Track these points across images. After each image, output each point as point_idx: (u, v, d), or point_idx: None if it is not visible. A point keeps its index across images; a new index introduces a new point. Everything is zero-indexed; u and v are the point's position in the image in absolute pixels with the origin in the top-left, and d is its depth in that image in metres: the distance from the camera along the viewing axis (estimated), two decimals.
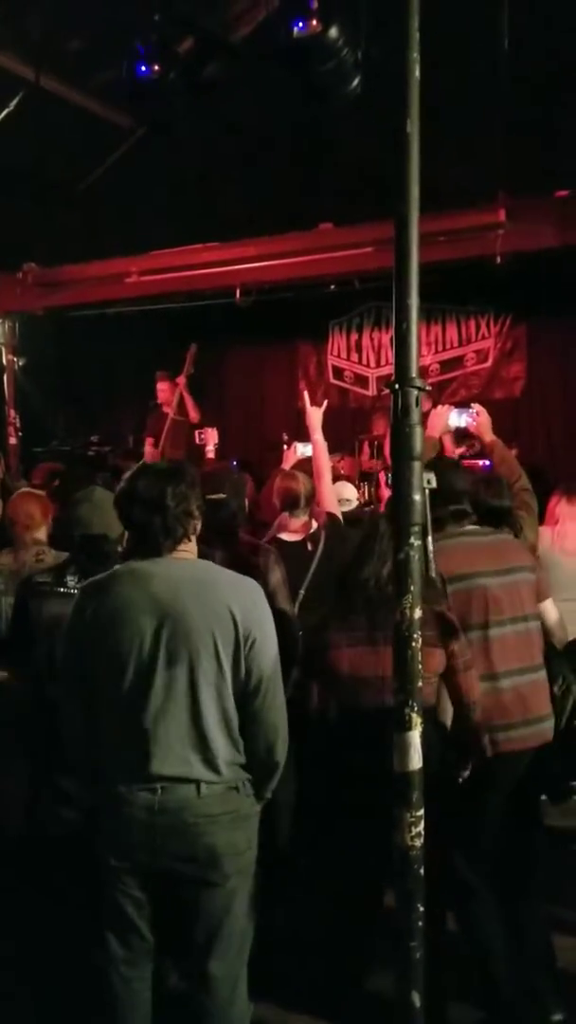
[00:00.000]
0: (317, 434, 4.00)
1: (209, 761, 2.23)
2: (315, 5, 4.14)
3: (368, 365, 8.92)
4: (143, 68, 5.27)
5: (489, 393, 8.22)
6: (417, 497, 1.94)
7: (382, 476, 6.82)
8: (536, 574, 2.97)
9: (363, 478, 7.03)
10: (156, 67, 5.28)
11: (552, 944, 2.93)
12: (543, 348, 8.20)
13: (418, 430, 1.95)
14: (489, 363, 8.39)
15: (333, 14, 4.17)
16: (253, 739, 2.29)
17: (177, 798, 2.21)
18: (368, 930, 2.74)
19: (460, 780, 2.70)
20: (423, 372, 7.39)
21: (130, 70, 5.33)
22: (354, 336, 8.97)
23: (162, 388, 7.84)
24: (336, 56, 4.20)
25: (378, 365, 8.86)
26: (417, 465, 1.95)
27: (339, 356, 9.09)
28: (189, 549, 2.34)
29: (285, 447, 7.67)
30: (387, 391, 6.71)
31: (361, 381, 8.98)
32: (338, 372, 9.11)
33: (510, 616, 2.81)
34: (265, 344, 9.18)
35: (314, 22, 4.23)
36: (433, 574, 2.46)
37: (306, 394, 4.49)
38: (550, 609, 3.08)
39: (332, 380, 9.13)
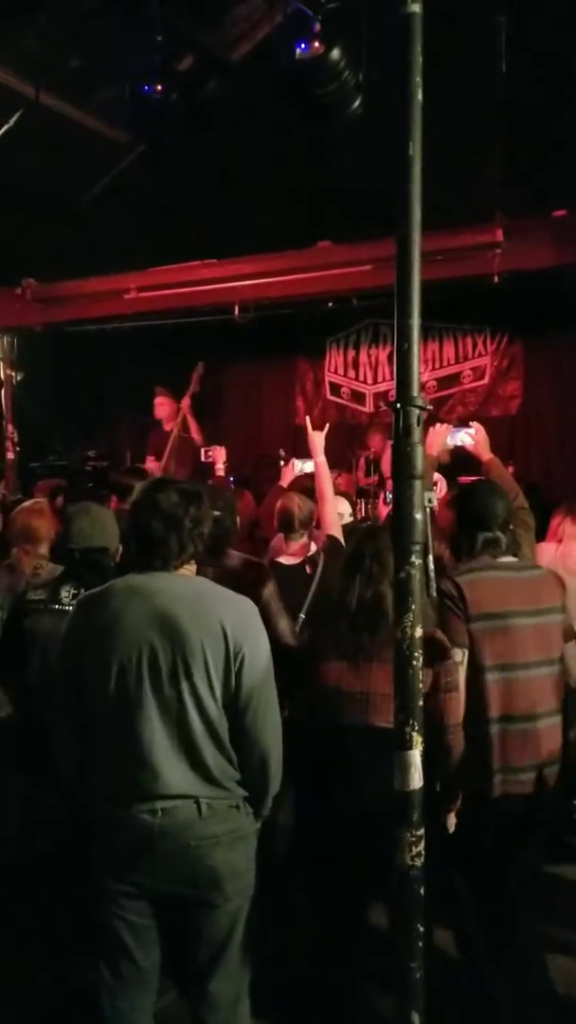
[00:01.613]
0: (320, 457, 4.02)
1: (206, 777, 2.21)
2: (317, 27, 4.17)
3: (365, 382, 8.95)
4: (145, 88, 5.31)
5: (485, 410, 8.25)
6: (418, 516, 1.94)
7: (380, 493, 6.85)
8: (566, 613, 2.86)
9: (360, 494, 7.04)
10: (159, 87, 5.32)
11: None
12: (539, 366, 8.23)
13: (419, 449, 1.96)
14: (486, 380, 8.42)
15: (335, 36, 4.21)
16: (246, 755, 2.27)
17: (178, 820, 2.19)
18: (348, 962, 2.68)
19: (447, 824, 2.66)
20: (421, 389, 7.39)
21: (133, 89, 5.37)
22: (351, 353, 9.00)
23: (160, 403, 7.84)
24: (337, 78, 4.24)
25: (375, 382, 8.89)
26: (418, 484, 1.95)
27: (336, 373, 9.12)
28: (190, 569, 2.35)
29: (283, 463, 7.71)
30: (384, 408, 6.78)
31: (358, 398, 9.01)
32: (335, 388, 9.13)
33: (536, 659, 2.73)
34: (263, 360, 9.21)
35: (316, 44, 4.26)
36: (434, 593, 2.45)
37: (308, 419, 4.51)
38: (573, 650, 2.95)
39: (329, 396, 9.15)
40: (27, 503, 3.89)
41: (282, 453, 8.05)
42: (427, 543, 1.97)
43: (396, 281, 1.97)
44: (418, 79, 1.96)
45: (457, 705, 2.61)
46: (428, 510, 1.98)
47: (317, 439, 4.08)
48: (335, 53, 4.19)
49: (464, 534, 2.86)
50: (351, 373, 9.04)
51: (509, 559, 2.90)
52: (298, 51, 4.30)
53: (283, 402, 9.39)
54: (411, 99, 1.96)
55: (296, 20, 4.20)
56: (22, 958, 3.19)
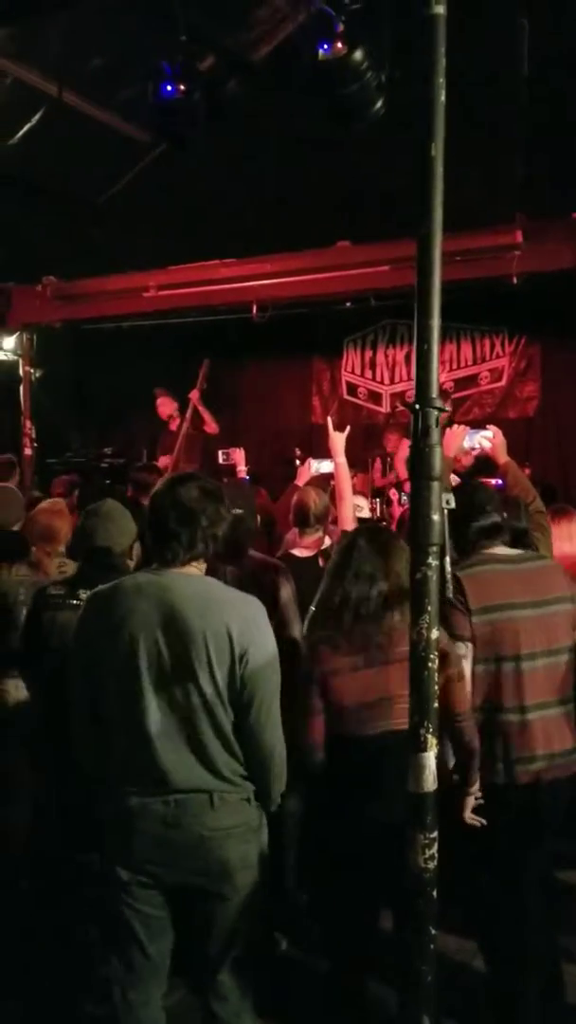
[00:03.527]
0: (340, 457, 4.01)
1: (215, 773, 2.23)
2: (341, 28, 4.16)
3: (382, 382, 8.95)
4: (169, 87, 5.31)
5: (502, 412, 8.23)
6: (435, 517, 1.94)
7: (393, 493, 6.84)
8: (575, 603, 2.85)
9: (376, 494, 7.04)
10: (182, 87, 5.32)
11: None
12: (557, 368, 8.20)
13: (437, 450, 1.95)
14: (503, 382, 8.40)
15: (358, 37, 4.20)
16: (251, 753, 2.27)
17: (191, 811, 2.21)
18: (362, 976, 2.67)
19: (474, 800, 2.66)
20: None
21: (156, 89, 5.38)
22: (368, 353, 9.00)
23: (161, 403, 7.88)
24: (360, 79, 4.22)
25: (392, 382, 8.89)
26: (436, 485, 1.94)
27: (353, 372, 9.11)
28: (199, 567, 2.35)
29: (298, 462, 7.72)
30: (401, 408, 6.76)
31: (375, 397, 9.00)
32: (352, 388, 9.13)
33: (542, 649, 2.72)
34: (279, 360, 9.22)
35: (339, 45, 4.25)
36: (451, 595, 2.44)
37: (330, 420, 4.50)
38: None
39: (346, 396, 9.16)
40: (45, 503, 3.91)
41: (298, 452, 8.06)
42: (444, 544, 1.97)
43: (417, 282, 1.97)
44: (441, 80, 1.96)
45: (464, 694, 2.59)
46: (445, 511, 1.98)
47: (338, 440, 4.08)
48: (358, 54, 4.18)
49: (456, 530, 2.82)
50: (368, 373, 9.03)
51: (511, 551, 2.90)
52: (321, 52, 4.29)
53: (299, 401, 9.40)
54: (434, 100, 1.95)
55: (319, 21, 4.20)
56: (30, 948, 3.22)
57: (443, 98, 1.96)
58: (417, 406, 1.96)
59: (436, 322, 1.97)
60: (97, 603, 2.34)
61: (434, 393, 1.96)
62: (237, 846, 2.24)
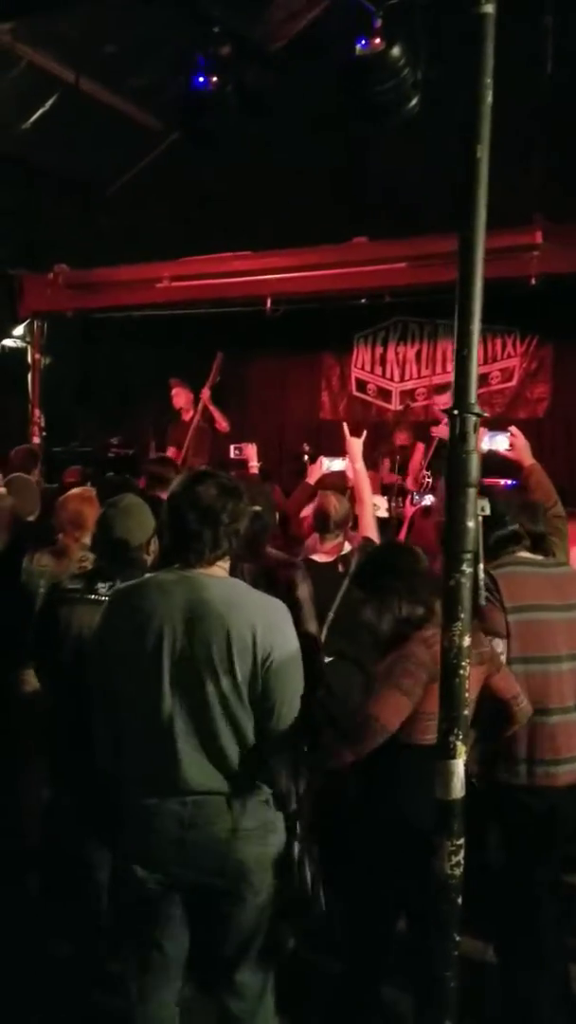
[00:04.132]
0: (358, 463, 4.00)
1: (235, 774, 2.22)
2: (379, 24, 4.11)
3: (392, 379, 8.91)
4: (200, 79, 5.26)
5: (513, 412, 8.20)
6: (471, 524, 1.93)
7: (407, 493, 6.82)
8: None
9: (384, 492, 7.01)
10: (214, 79, 5.27)
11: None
12: (568, 369, 8.16)
13: (474, 456, 1.94)
14: (514, 382, 8.37)
15: (396, 33, 4.15)
16: (269, 756, 2.28)
17: (208, 812, 2.21)
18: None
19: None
20: (448, 387, 7.36)
21: (186, 81, 5.32)
22: (379, 349, 8.95)
23: (176, 393, 7.84)
24: (397, 75, 4.17)
25: (402, 379, 8.85)
26: (472, 492, 1.93)
27: (363, 369, 9.08)
28: (223, 565, 2.33)
29: (306, 458, 7.70)
30: (411, 405, 6.71)
31: (384, 395, 8.97)
32: (361, 385, 9.10)
33: (567, 652, 2.76)
34: (288, 354, 9.17)
35: (377, 40, 4.21)
36: (483, 601, 2.43)
37: (345, 425, 4.48)
38: None
39: (355, 392, 9.12)
40: (77, 490, 3.87)
41: (306, 448, 8.04)
42: (478, 552, 1.95)
43: (458, 285, 1.95)
44: (488, 80, 1.94)
45: (510, 679, 2.59)
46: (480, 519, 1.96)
47: (356, 445, 4.07)
48: (396, 50, 4.13)
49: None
50: (378, 370, 8.99)
51: (534, 556, 2.92)
52: (358, 47, 4.23)
53: (308, 397, 9.36)
54: (481, 100, 1.93)
55: (356, 15, 4.14)
56: (42, 941, 3.21)
57: (490, 99, 1.94)
58: (455, 411, 1.94)
59: (476, 327, 1.95)
60: (119, 601, 2.33)
61: (472, 399, 1.94)
62: (254, 847, 2.24)
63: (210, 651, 2.17)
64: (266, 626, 2.22)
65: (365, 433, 4.30)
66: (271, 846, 2.29)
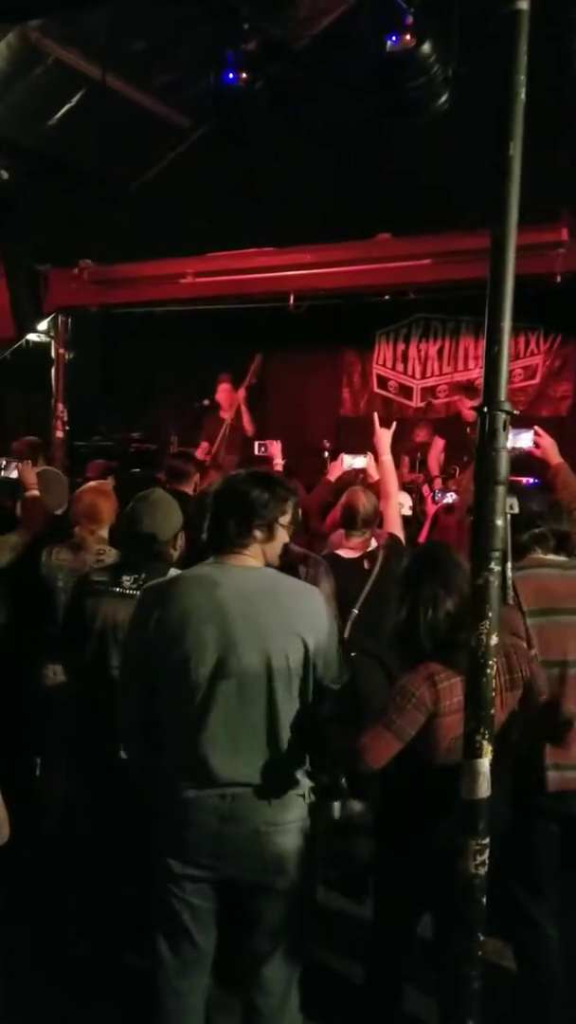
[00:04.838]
0: (386, 455, 3.99)
1: (274, 766, 2.23)
2: (410, 20, 4.09)
3: (413, 376, 8.89)
4: (231, 75, 5.27)
5: (535, 410, 8.15)
6: (499, 522, 1.92)
7: (426, 490, 6.79)
8: None
9: (404, 490, 6.99)
10: (243, 75, 5.28)
11: None
12: None
13: (503, 454, 1.93)
14: (537, 380, 8.32)
15: (427, 30, 4.12)
16: (317, 747, 2.30)
17: (247, 805, 2.22)
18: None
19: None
20: (470, 385, 7.34)
21: (216, 77, 5.33)
22: (401, 346, 8.94)
23: (223, 390, 7.84)
24: (427, 72, 4.15)
25: (423, 376, 8.83)
26: (501, 489, 1.93)
27: (384, 366, 9.06)
28: (257, 557, 2.34)
29: (327, 455, 7.69)
30: (432, 402, 6.68)
31: (405, 392, 8.95)
32: (382, 382, 9.08)
33: None
34: (310, 351, 9.17)
35: (408, 37, 4.18)
36: (511, 601, 2.42)
37: (376, 416, 4.48)
38: None
39: (376, 389, 9.11)
40: (92, 483, 3.90)
41: (326, 445, 8.03)
42: (507, 550, 1.95)
43: (489, 282, 1.94)
44: (522, 77, 1.93)
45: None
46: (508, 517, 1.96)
47: (385, 437, 4.06)
48: (426, 47, 4.11)
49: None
50: (399, 367, 8.98)
51: (558, 557, 2.89)
52: (389, 43, 4.21)
53: (329, 393, 9.36)
54: (514, 97, 1.92)
55: (388, 12, 4.12)
56: (64, 931, 3.23)
57: (523, 96, 1.93)
58: (484, 408, 1.94)
59: (507, 325, 1.94)
60: (158, 593, 2.34)
61: (502, 396, 1.94)
62: (292, 841, 2.26)
63: (251, 641, 2.20)
64: (307, 614, 2.26)
65: (395, 424, 4.27)
66: (309, 840, 2.31)
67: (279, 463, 5.49)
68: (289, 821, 2.25)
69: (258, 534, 2.30)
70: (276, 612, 2.22)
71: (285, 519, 2.34)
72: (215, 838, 2.23)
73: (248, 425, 7.65)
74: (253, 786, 2.22)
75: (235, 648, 2.20)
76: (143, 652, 2.32)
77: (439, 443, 6.82)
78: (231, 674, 2.20)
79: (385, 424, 4.21)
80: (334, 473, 4.73)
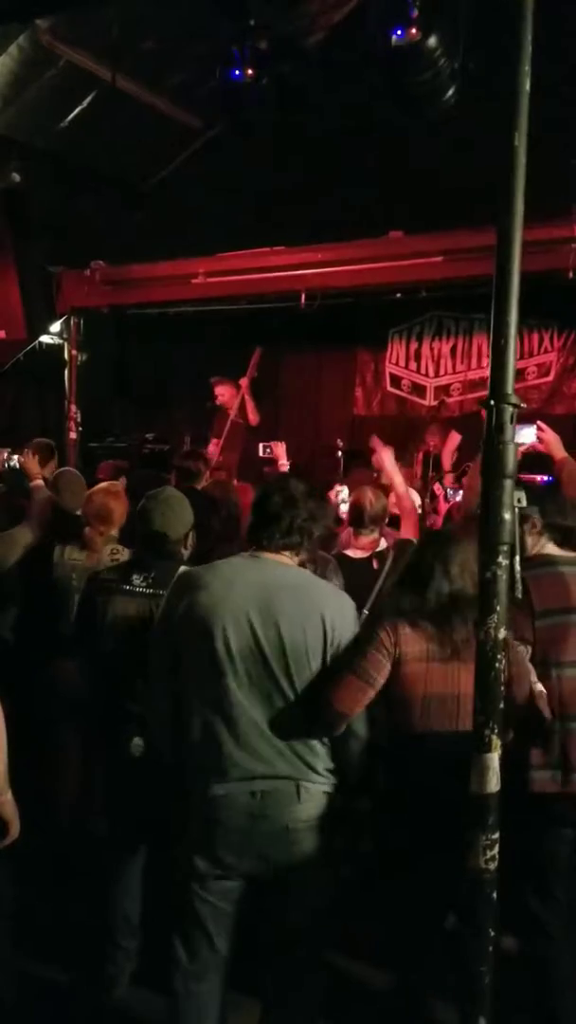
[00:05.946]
0: (397, 477, 3.93)
1: (302, 762, 2.25)
2: (415, 13, 4.07)
3: (427, 375, 8.85)
4: (236, 73, 5.26)
5: (549, 408, 8.10)
6: (507, 516, 1.91)
7: (437, 488, 6.77)
8: None
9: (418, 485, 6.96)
10: (250, 72, 5.27)
11: None
12: None
13: (511, 447, 1.92)
14: (551, 377, 8.27)
15: (433, 23, 4.09)
16: (338, 741, 2.31)
17: (277, 802, 2.22)
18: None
19: None
20: (483, 382, 7.31)
21: (224, 74, 5.32)
22: (414, 345, 8.90)
23: (221, 392, 7.83)
24: (433, 66, 4.12)
25: (437, 375, 8.79)
26: (508, 483, 1.92)
27: (398, 364, 9.03)
28: (292, 559, 2.38)
29: (340, 454, 7.69)
30: (445, 401, 6.66)
31: (418, 390, 8.91)
32: (396, 380, 9.05)
33: None
34: (322, 349, 9.15)
35: (413, 30, 4.15)
36: (519, 595, 2.40)
37: (375, 436, 4.46)
38: None
39: (389, 388, 9.08)
40: (104, 484, 3.92)
41: (339, 443, 8.02)
42: (515, 544, 1.93)
43: (495, 276, 1.93)
44: (527, 68, 1.92)
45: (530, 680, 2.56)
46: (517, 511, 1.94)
47: (388, 458, 4.05)
48: (432, 40, 4.07)
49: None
50: (412, 365, 8.94)
51: (568, 553, 2.85)
52: (394, 37, 4.18)
53: (342, 392, 9.33)
54: (519, 88, 1.91)
55: (393, 5, 4.09)
56: (74, 932, 3.24)
57: (528, 87, 1.92)
58: (491, 402, 1.93)
59: (514, 318, 1.93)
60: (188, 585, 2.35)
61: (509, 389, 1.93)
62: (319, 838, 2.26)
63: (280, 637, 2.21)
64: (335, 613, 2.29)
65: (391, 451, 4.27)
66: (335, 838, 2.31)
67: (284, 464, 5.48)
68: (317, 817, 2.26)
69: (298, 539, 2.35)
70: (303, 608, 2.25)
71: (319, 533, 2.42)
72: (243, 836, 2.23)
73: (252, 415, 7.61)
74: (282, 780, 2.22)
75: (264, 641, 2.21)
76: (169, 642, 2.34)
77: (455, 437, 6.77)
78: (256, 669, 2.21)
79: (393, 428, 4.20)
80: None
